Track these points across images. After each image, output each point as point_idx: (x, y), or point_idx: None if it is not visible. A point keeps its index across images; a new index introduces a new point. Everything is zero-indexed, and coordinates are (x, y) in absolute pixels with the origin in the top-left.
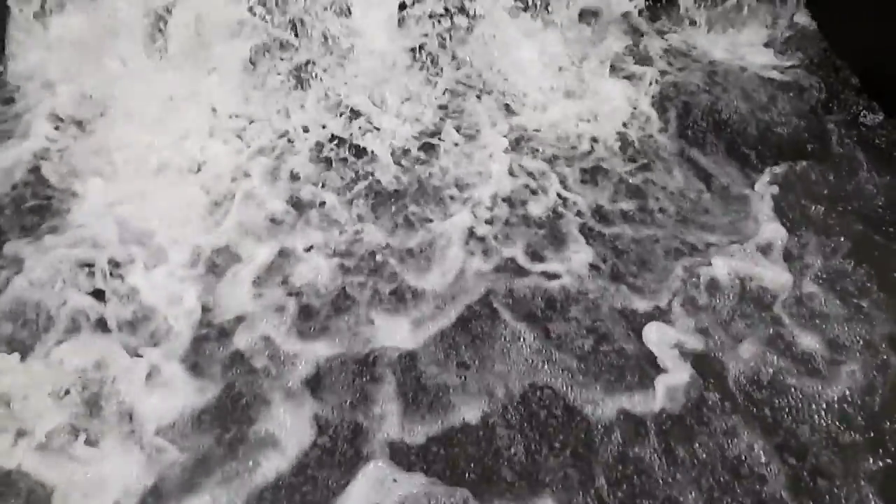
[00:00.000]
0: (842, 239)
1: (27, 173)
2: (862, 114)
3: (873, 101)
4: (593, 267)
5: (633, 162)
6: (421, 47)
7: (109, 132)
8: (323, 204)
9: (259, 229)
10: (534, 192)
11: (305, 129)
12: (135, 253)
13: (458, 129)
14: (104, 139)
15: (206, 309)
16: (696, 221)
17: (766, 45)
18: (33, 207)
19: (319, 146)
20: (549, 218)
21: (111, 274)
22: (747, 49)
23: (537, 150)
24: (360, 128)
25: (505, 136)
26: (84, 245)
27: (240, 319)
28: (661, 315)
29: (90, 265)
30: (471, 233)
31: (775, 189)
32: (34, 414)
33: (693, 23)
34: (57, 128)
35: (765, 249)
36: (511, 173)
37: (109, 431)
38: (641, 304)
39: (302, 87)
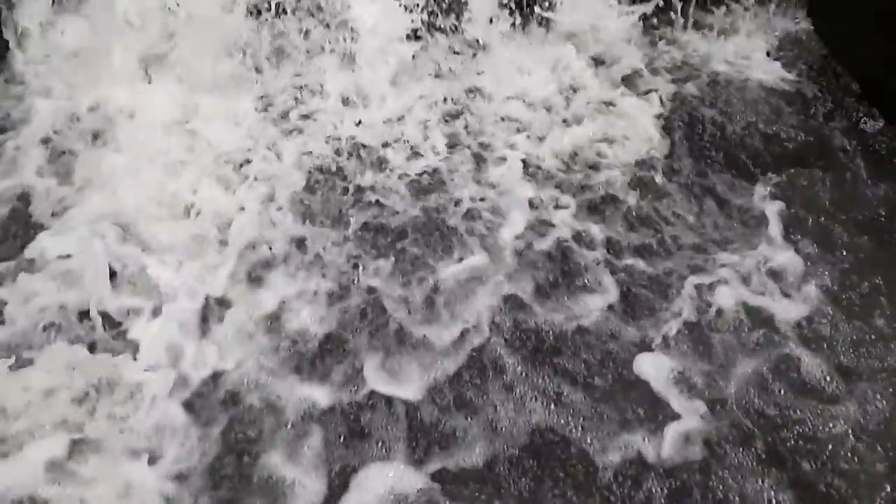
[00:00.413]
0: (847, 253)
1: (16, 201)
2: (863, 120)
3: (874, 108)
4: (605, 301)
5: (644, 186)
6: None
7: (101, 163)
8: (322, 241)
9: (255, 269)
10: (544, 223)
11: (303, 161)
12: (124, 295)
13: (467, 159)
14: (96, 170)
15: (202, 354)
16: (703, 245)
17: (768, 53)
18: (17, 239)
19: (317, 180)
20: (559, 250)
21: (104, 323)
22: (748, 58)
23: (548, 178)
24: (361, 157)
25: (518, 162)
26: (74, 288)
27: (237, 365)
28: (668, 349)
29: (85, 313)
30: (479, 269)
31: (779, 203)
32: (29, 427)
33: (694, 32)
34: (49, 158)
35: (772, 271)
36: (521, 203)
37: (107, 464)
38: (650, 338)
39: (300, 116)
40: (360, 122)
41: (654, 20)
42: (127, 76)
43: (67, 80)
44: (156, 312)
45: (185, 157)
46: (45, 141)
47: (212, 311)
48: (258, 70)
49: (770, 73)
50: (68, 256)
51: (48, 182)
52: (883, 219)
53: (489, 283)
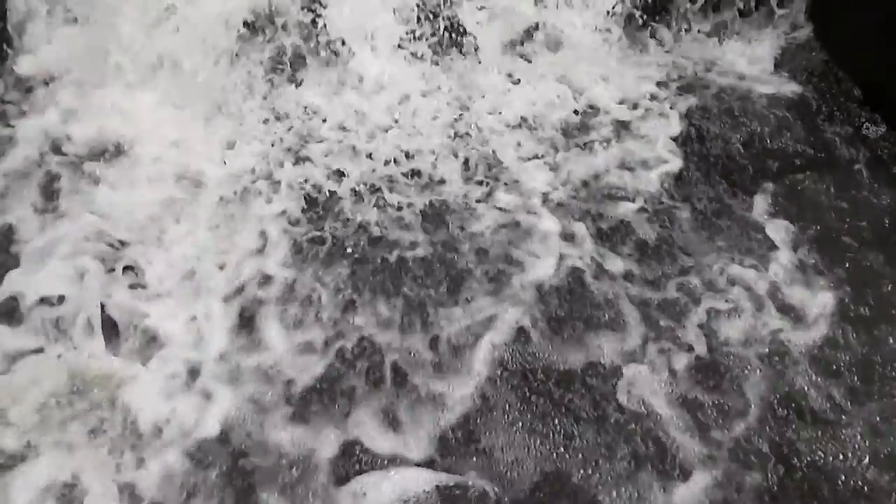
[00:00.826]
0: (856, 269)
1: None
2: (864, 126)
3: (875, 113)
4: (617, 334)
5: (657, 211)
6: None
7: (94, 197)
8: (320, 282)
9: (251, 312)
10: (558, 254)
11: (302, 195)
12: (119, 344)
13: (478, 189)
14: (87, 204)
15: (200, 401)
16: (716, 268)
17: (768, 58)
18: None
19: (318, 215)
20: (571, 282)
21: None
22: (752, 66)
23: (563, 205)
24: (366, 191)
25: (533, 190)
26: (64, 339)
27: (234, 411)
28: (679, 382)
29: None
30: (488, 304)
31: (788, 220)
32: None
33: (697, 42)
34: (37, 191)
35: (783, 293)
36: (535, 234)
37: None
38: (662, 373)
39: (301, 148)
40: (366, 154)
41: (655, 30)
42: (122, 108)
43: (61, 108)
44: (152, 360)
45: (180, 193)
46: (34, 172)
47: (208, 357)
48: (257, 102)
49: (773, 80)
50: (60, 302)
51: (35, 216)
52: (887, 226)
53: (498, 318)
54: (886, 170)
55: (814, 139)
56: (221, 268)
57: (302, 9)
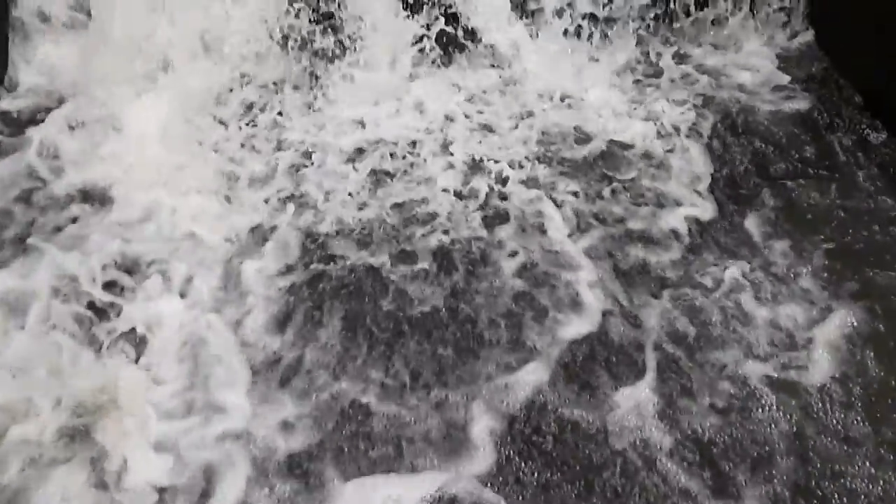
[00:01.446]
0: (863, 282)
1: None
2: (866, 133)
3: (876, 120)
4: (637, 390)
5: (681, 252)
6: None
7: (81, 244)
8: (317, 342)
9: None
10: (579, 303)
11: (305, 244)
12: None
13: (490, 233)
14: (71, 260)
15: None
16: (727, 294)
17: (769, 64)
18: None
19: (319, 264)
20: (592, 334)
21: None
22: (750, 69)
23: (585, 250)
24: (373, 237)
25: (551, 226)
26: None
27: (232, 492)
28: (692, 434)
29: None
30: (498, 363)
31: (790, 236)
32: None
33: (698, 51)
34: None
35: (792, 323)
36: (553, 280)
37: None
38: (680, 431)
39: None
40: (368, 196)
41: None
42: (113, 154)
43: (49, 149)
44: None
45: (171, 246)
46: (15, 215)
47: (209, 426)
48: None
49: (774, 90)
50: None
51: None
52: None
53: (511, 371)
54: (889, 176)
55: (817, 149)
56: (217, 328)
57: (295, 88)
